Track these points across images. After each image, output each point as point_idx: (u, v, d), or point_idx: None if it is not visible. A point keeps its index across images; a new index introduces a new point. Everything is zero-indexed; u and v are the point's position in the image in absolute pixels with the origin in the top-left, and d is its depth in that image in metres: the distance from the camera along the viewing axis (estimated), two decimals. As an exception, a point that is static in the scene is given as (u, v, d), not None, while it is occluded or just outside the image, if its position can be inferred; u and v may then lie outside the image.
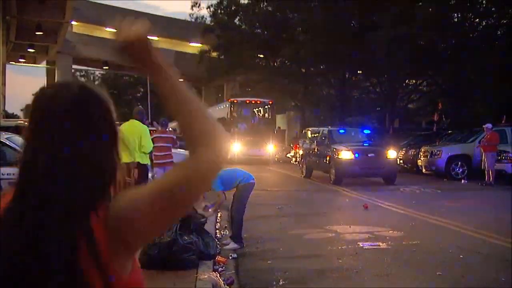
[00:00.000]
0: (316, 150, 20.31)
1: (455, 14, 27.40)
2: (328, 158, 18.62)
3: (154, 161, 11.23)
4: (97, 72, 60.92)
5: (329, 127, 22.08)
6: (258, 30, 36.55)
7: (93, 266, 1.15)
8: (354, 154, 17.91)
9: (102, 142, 1.25)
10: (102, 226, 1.18)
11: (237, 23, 37.50)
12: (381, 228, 9.78)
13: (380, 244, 8.47)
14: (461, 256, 7.58)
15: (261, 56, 37.85)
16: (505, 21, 26.83)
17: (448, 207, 12.28)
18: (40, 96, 1.28)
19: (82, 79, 59.15)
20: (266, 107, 31.27)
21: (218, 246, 7.55)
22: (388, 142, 21.05)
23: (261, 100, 31.28)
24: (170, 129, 14.66)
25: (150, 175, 10.68)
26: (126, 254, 1.23)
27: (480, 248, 8.16)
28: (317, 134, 22.04)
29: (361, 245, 8.38)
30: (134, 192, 1.24)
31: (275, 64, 37.47)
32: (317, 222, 10.64)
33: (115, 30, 1.26)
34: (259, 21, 35.17)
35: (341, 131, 20.91)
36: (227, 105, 31.53)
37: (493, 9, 26.82)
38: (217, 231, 9.24)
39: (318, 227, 10.04)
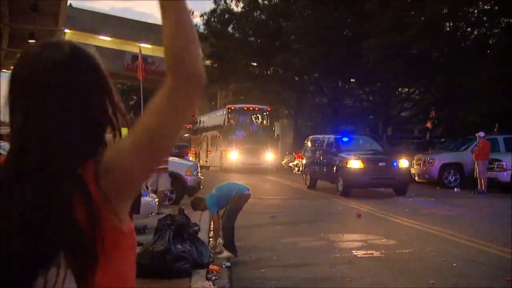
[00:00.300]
0: (321, 159, 19.11)
1: (447, 23, 27.58)
2: (335, 168, 17.30)
3: None
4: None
5: (333, 134, 20.98)
6: (252, 38, 36.72)
7: (87, 215, 1.16)
8: (364, 163, 16.58)
9: (94, 96, 1.24)
10: (93, 177, 1.18)
11: (231, 31, 37.66)
12: (374, 236, 9.77)
13: (374, 252, 8.46)
14: (455, 265, 7.59)
15: (255, 64, 37.98)
16: (496, 31, 27.03)
17: (441, 215, 12.31)
18: (27, 54, 1.25)
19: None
20: (265, 113, 30.58)
21: (212, 254, 7.52)
22: (399, 151, 20.56)
23: (259, 106, 30.59)
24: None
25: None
26: (118, 203, 1.21)
27: (473, 256, 8.17)
28: (319, 142, 20.80)
29: (355, 254, 8.37)
30: (119, 141, 1.25)
31: (269, 72, 37.58)
32: (311, 230, 10.63)
33: None
34: (253, 29, 35.34)
35: (346, 138, 19.44)
36: (224, 112, 30.82)
37: (484, 18, 27.01)
38: (211, 239, 9.20)
39: (311, 235, 10.03)
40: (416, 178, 20.93)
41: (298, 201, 16.12)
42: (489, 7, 26.00)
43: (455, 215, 12.61)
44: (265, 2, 35.56)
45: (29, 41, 28.15)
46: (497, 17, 26.46)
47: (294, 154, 31.26)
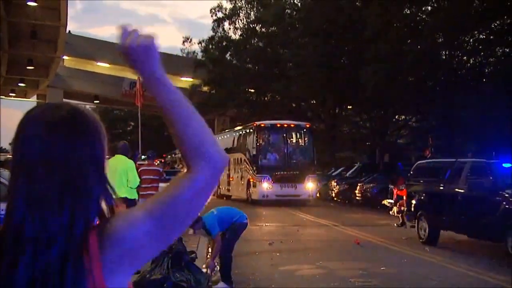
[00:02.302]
0: (459, 198, 11.71)
1: (444, 52, 27.83)
2: (499, 213, 10.19)
3: (140, 193, 11.19)
4: (87, 106, 60.91)
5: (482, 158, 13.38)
6: (249, 65, 36.99)
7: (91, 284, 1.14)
8: None
9: (91, 165, 1.22)
10: (97, 249, 1.15)
11: (228, 58, 37.96)
12: (373, 264, 9.69)
13: (373, 281, 8.38)
14: None
15: (252, 90, 38.17)
16: (492, 59, 27.26)
17: (440, 244, 12.20)
18: (27, 116, 1.24)
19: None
20: (302, 131, 24.82)
21: (210, 283, 7.43)
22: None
23: (295, 123, 24.93)
24: (157, 162, 14.70)
25: None
26: (124, 271, 1.20)
27: (473, 285, 8.09)
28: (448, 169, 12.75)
29: (353, 282, 8.28)
30: (129, 211, 1.22)
31: (266, 98, 37.77)
32: (309, 258, 10.55)
33: (119, 31, 1.24)
34: (250, 56, 35.62)
35: (508, 164, 11.56)
36: (251, 131, 24.85)
37: (480, 47, 27.26)
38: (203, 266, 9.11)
39: (310, 263, 9.94)
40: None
41: (296, 228, 16.00)
42: (484, 36, 26.28)
43: (454, 243, 12.52)
44: (263, 30, 35.97)
45: (27, 67, 28.37)
46: (493, 46, 26.71)
47: (391, 186, 18.81)
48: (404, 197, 15.04)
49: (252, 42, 36.39)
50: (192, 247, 8.88)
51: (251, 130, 24.87)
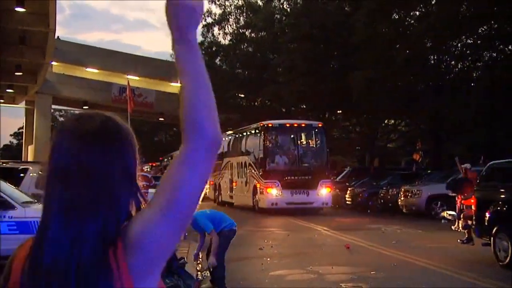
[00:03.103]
0: None
1: (432, 57, 28.06)
2: None
3: None
4: (76, 112, 60.65)
5: None
6: (239, 70, 37.04)
7: None
8: None
9: (123, 174, 1.27)
10: (124, 259, 1.19)
11: (218, 63, 37.97)
12: (363, 268, 9.71)
13: (363, 285, 8.41)
14: None
15: (242, 95, 38.20)
16: (480, 64, 27.51)
17: (429, 248, 12.26)
18: (62, 127, 1.31)
19: (61, 119, 58.94)
20: (314, 131, 22.59)
21: (200, 288, 7.42)
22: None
23: (306, 122, 23.19)
24: (147, 168, 14.66)
25: None
26: (153, 273, 1.23)
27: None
28: None
29: (344, 287, 8.30)
30: (144, 214, 1.24)
31: (256, 103, 37.80)
32: (299, 262, 10.55)
33: None
34: (240, 61, 35.67)
35: None
36: (257, 131, 22.75)
37: (468, 52, 27.51)
38: (198, 273, 9.08)
39: (300, 268, 9.95)
40: (404, 209, 20.94)
41: (286, 232, 16.00)
42: (472, 41, 26.53)
43: (443, 247, 12.58)
44: (252, 35, 36.07)
45: (16, 73, 28.19)
46: (480, 51, 26.97)
47: (453, 194, 15.83)
48: (473, 207, 12.08)
49: (242, 47, 36.47)
50: (181, 255, 8.86)
51: (257, 131, 22.75)
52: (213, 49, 37.10)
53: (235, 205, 24.74)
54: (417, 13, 27.28)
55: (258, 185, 21.51)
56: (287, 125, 22.42)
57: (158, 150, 55.59)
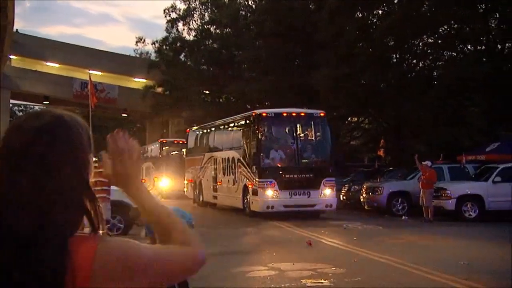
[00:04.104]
0: None
1: (394, 55, 28.45)
2: None
3: None
4: (36, 107, 59.49)
5: None
6: (204, 67, 36.80)
7: None
8: None
9: (69, 166, 1.31)
10: (90, 263, 1.24)
11: (183, 59, 37.65)
12: (324, 265, 9.75)
13: (323, 281, 8.45)
14: None
15: (207, 92, 37.99)
16: (440, 63, 28.04)
17: (389, 244, 12.42)
18: (11, 125, 1.35)
19: (21, 114, 57.56)
20: (315, 121, 19.46)
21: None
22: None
23: (306, 111, 19.66)
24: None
25: None
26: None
27: (419, 284, 8.27)
28: None
29: (304, 283, 8.33)
30: (131, 247, 1.32)
31: (221, 100, 37.65)
32: (261, 259, 10.54)
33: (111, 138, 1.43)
34: (205, 58, 35.43)
35: None
36: (249, 121, 19.59)
37: (429, 51, 28.00)
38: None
39: (261, 265, 9.93)
40: (365, 206, 21.21)
41: (249, 229, 15.99)
42: (432, 40, 27.02)
43: (403, 243, 12.78)
44: (217, 31, 35.87)
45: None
46: (441, 50, 27.50)
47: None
48: None
49: (207, 43, 36.22)
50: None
51: (248, 122, 19.58)
52: (178, 44, 36.77)
53: (218, 207, 22.80)
54: (380, 12, 27.61)
55: (250, 185, 18.54)
56: (284, 114, 19.25)
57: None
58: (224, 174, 21.34)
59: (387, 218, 19.08)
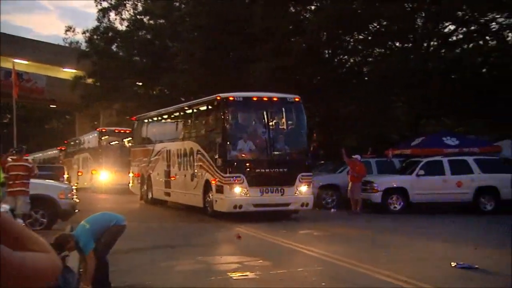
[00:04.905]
0: None
1: (326, 51, 28.93)
2: None
3: (8, 189, 10.51)
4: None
5: None
6: (137, 58, 36.10)
7: None
8: None
9: None
10: None
11: (115, 49, 36.77)
12: (251, 258, 9.83)
13: (249, 273, 8.52)
14: (323, 284, 7.82)
15: (140, 83, 37.31)
16: (371, 59, 28.76)
17: (316, 236, 12.67)
18: None
19: None
20: (290, 108, 17.08)
21: (80, 283, 7.11)
22: None
23: (279, 95, 16.97)
24: (30, 158, 13.92)
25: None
26: None
27: (341, 274, 8.49)
28: None
29: (230, 276, 8.37)
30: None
31: (154, 92, 37.08)
32: (190, 253, 10.51)
33: None
34: (137, 48, 34.76)
35: None
36: (211, 106, 17.21)
37: (360, 47, 28.64)
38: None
39: (190, 259, 9.91)
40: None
41: (180, 224, 15.88)
42: (363, 37, 27.67)
43: (330, 235, 13.06)
44: (151, 22, 35.24)
45: None
46: (371, 47, 28.19)
47: None
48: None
49: (140, 34, 35.52)
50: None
51: (211, 107, 17.18)
52: (109, 34, 35.84)
53: (170, 205, 20.62)
54: (313, 7, 27.98)
55: (213, 181, 16.02)
56: (254, 99, 16.64)
57: (50, 138, 53.11)
58: (179, 167, 18.87)
59: (316, 210, 19.41)
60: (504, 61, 23.13)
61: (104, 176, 28.93)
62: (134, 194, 24.11)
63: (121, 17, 36.15)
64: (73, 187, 15.68)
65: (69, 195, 13.51)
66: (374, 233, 13.02)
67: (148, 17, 35.46)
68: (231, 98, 16.17)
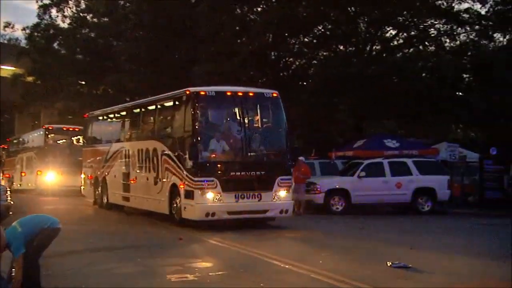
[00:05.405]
0: None
1: (272, 53, 29.10)
2: None
3: None
4: None
5: None
6: (80, 56, 35.24)
7: None
8: None
9: None
10: None
11: (56, 47, 35.78)
12: (192, 259, 9.76)
13: (188, 275, 8.44)
14: (262, 284, 7.82)
15: (83, 82, 36.43)
16: (315, 62, 29.15)
17: (257, 237, 12.65)
18: None
19: None
20: (267, 104, 15.34)
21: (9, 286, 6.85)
22: None
23: (256, 90, 15.98)
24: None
25: None
26: None
27: (280, 275, 8.52)
28: None
29: (169, 278, 8.27)
30: None
31: (98, 91, 36.29)
32: (129, 255, 10.33)
33: None
34: (80, 47, 33.95)
35: None
36: (180, 102, 15.22)
37: (305, 50, 28.98)
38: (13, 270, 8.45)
39: (129, 261, 9.73)
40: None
41: (122, 225, 15.58)
42: (308, 40, 28.00)
43: (272, 237, 13.08)
44: (94, 20, 34.47)
45: None
46: (316, 50, 28.56)
47: None
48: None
49: (83, 32, 34.68)
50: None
51: (179, 103, 15.29)
52: (51, 32, 34.79)
53: (127, 210, 18.68)
54: (259, 8, 28.09)
55: (181, 185, 14.29)
56: (228, 94, 14.98)
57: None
58: (141, 169, 17.06)
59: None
60: (442, 66, 23.96)
61: (51, 177, 27.24)
62: (86, 198, 22.07)
63: (63, 14, 35.22)
64: (8, 189, 15.04)
65: (3, 196, 13.02)
66: (315, 234, 13.16)
67: (91, 15, 34.69)
68: (202, 93, 14.53)
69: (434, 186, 19.25)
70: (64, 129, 29.98)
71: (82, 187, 22.65)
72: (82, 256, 10.40)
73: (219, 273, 8.64)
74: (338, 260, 9.85)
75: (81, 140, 26.37)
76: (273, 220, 14.99)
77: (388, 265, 8.95)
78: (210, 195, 13.62)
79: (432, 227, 15.64)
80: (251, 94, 15.11)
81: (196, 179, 13.73)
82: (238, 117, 14.60)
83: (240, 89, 15.32)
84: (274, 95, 15.22)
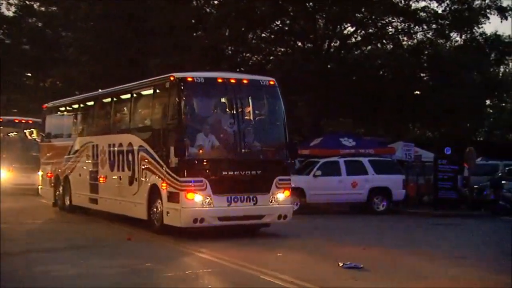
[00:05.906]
0: None
1: (229, 47, 28.54)
2: None
3: None
4: None
5: None
6: (26, 47, 33.86)
7: None
8: None
9: None
10: None
11: (0, 37, 34.30)
12: (140, 260, 9.26)
13: (134, 278, 8.03)
14: (210, 286, 7.74)
15: (29, 74, 35.04)
16: (273, 58, 28.76)
17: (209, 237, 12.01)
18: None
19: None
20: (263, 93, 13.40)
21: None
22: None
23: (250, 78, 13.71)
24: None
25: None
26: None
27: (231, 277, 8.24)
28: None
29: (112, 280, 7.86)
30: None
31: (45, 84, 34.98)
32: (73, 257, 9.76)
33: None
34: (27, 37, 32.63)
35: None
36: (161, 90, 13.12)
37: (263, 45, 28.54)
38: None
39: (71, 263, 9.12)
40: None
41: (65, 224, 14.74)
42: (265, 35, 27.59)
43: (230, 239, 12.52)
44: (42, 8, 33.16)
45: None
46: (273, 46, 28.17)
47: None
48: None
49: (30, 21, 33.33)
50: None
51: (162, 91, 13.17)
52: (-6, 20, 33.42)
53: (94, 212, 16.18)
54: (216, 1, 27.54)
55: (164, 186, 12.21)
56: (219, 81, 12.85)
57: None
58: (112, 167, 14.72)
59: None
60: (399, 65, 23.97)
61: (1, 174, 23.97)
62: (44, 198, 19.36)
63: (7, 2, 33.76)
64: None
65: None
66: (267, 234, 12.66)
67: (38, 3, 33.32)
68: (189, 79, 12.40)
69: (389, 186, 19.16)
70: (16, 121, 27.89)
71: (39, 187, 19.92)
72: (20, 257, 9.84)
73: (168, 274, 8.21)
74: (288, 260, 9.61)
75: (34, 134, 24.55)
76: (267, 226, 13.08)
77: (340, 265, 8.77)
78: (198, 198, 11.69)
79: (386, 227, 15.51)
80: (245, 81, 13.07)
81: (182, 179, 11.77)
82: (231, 108, 12.55)
83: (233, 76, 13.51)
84: (271, 82, 13.22)
